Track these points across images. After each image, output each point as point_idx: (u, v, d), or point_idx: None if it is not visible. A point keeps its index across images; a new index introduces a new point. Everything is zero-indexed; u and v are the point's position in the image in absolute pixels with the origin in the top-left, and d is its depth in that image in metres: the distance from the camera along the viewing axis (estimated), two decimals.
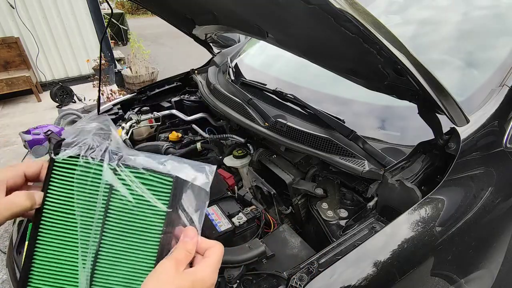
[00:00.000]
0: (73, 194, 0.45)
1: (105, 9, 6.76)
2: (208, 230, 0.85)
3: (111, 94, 3.91)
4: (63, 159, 0.44)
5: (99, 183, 0.45)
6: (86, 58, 4.81)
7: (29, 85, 4.03)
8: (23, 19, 4.18)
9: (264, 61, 1.57)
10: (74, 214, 0.45)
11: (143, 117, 1.49)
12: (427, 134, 0.79)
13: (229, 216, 0.90)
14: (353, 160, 0.87)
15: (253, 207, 0.96)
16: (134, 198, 0.45)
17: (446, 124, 0.77)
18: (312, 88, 1.20)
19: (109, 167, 0.44)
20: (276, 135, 1.03)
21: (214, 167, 0.47)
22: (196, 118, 1.57)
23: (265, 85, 1.25)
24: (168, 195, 0.45)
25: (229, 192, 1.04)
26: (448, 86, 0.64)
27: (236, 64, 1.56)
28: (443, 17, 1.30)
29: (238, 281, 0.70)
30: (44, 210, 0.45)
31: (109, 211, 0.45)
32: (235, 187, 1.11)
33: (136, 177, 0.44)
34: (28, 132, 2.76)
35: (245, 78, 1.38)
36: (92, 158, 0.44)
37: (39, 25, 4.38)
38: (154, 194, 0.45)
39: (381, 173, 0.80)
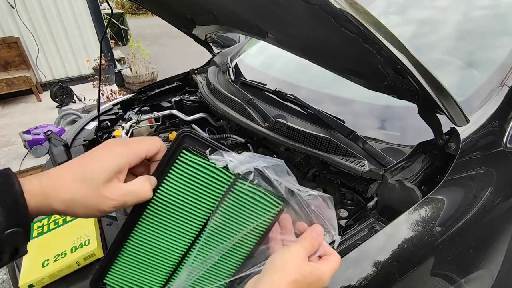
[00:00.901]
0: (187, 190, 0.45)
1: (105, 9, 6.76)
2: None
3: (111, 94, 3.91)
4: (189, 155, 0.44)
5: (218, 187, 0.45)
6: (86, 58, 4.81)
7: (29, 85, 4.03)
8: (23, 19, 4.18)
9: (264, 61, 1.57)
10: (182, 210, 0.46)
11: (143, 117, 1.49)
12: (427, 134, 0.79)
13: None
14: (353, 160, 0.87)
15: None
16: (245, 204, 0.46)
17: (446, 124, 0.77)
18: (312, 88, 1.20)
19: (234, 177, 0.45)
20: (276, 135, 1.03)
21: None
22: (196, 118, 1.57)
23: (265, 85, 1.25)
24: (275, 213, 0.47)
25: None
26: (448, 86, 0.64)
27: (236, 64, 1.56)
28: (443, 17, 1.30)
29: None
30: (153, 200, 0.44)
31: (218, 211, 0.46)
32: None
33: (251, 190, 0.46)
34: (28, 132, 2.76)
35: (245, 78, 1.38)
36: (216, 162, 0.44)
37: (39, 25, 4.38)
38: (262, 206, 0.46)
39: (381, 173, 0.80)
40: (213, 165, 0.44)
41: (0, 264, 0.34)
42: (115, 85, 4.70)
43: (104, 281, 0.48)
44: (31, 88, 4.07)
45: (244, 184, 0.45)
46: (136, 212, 0.46)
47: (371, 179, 0.83)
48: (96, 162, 0.39)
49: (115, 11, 7.86)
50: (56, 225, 0.88)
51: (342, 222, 0.90)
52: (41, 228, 0.88)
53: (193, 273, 0.47)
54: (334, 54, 0.85)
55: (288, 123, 1.00)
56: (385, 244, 0.69)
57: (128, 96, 1.72)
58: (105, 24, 5.01)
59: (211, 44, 1.72)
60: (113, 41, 6.90)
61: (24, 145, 2.79)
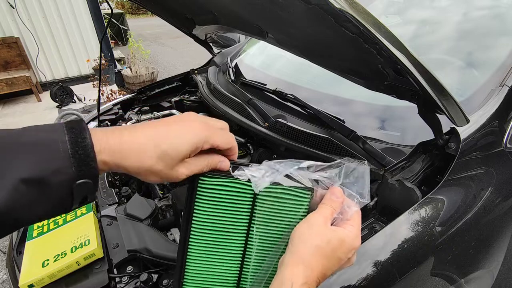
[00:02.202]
0: (218, 211, 0.47)
1: (105, 9, 6.76)
2: None
3: (111, 94, 3.91)
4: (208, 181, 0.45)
5: (245, 197, 0.47)
6: (86, 58, 4.81)
7: (29, 85, 4.03)
8: (23, 19, 4.18)
9: (264, 61, 1.57)
10: (222, 230, 0.48)
11: (143, 117, 1.49)
12: (427, 134, 0.79)
13: None
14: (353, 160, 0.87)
15: None
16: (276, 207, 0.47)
17: (446, 124, 0.77)
18: (312, 88, 1.20)
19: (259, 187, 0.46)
20: (276, 135, 1.03)
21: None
22: None
23: (265, 85, 1.25)
24: (307, 205, 0.48)
25: None
26: (448, 86, 0.64)
27: (236, 64, 1.56)
28: (443, 17, 1.30)
29: None
30: (193, 226, 0.47)
31: (254, 219, 0.48)
32: None
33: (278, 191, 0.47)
34: None
35: (245, 78, 1.38)
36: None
37: (39, 25, 4.38)
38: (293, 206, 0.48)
39: (381, 173, 0.80)
40: (233, 180, 0.45)
41: (71, 208, 0.36)
42: (115, 85, 4.70)
43: None
44: (31, 88, 4.07)
45: (268, 188, 0.46)
46: (185, 232, 0.48)
47: (371, 179, 0.83)
48: (175, 139, 0.39)
49: (115, 11, 7.86)
50: (56, 225, 0.88)
51: None
52: (41, 228, 0.88)
53: (255, 282, 0.50)
54: (334, 54, 0.85)
55: (288, 123, 1.00)
56: (385, 244, 0.69)
57: (128, 96, 1.72)
58: (105, 24, 5.01)
59: (211, 44, 1.72)
60: (113, 41, 6.90)
61: None
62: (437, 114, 0.75)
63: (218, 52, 1.80)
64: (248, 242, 0.49)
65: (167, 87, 1.77)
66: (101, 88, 1.39)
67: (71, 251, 0.78)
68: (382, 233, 0.70)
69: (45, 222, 0.90)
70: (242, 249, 0.50)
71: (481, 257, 0.90)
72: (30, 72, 4.23)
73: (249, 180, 0.45)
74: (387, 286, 0.67)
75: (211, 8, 1.12)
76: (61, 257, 0.77)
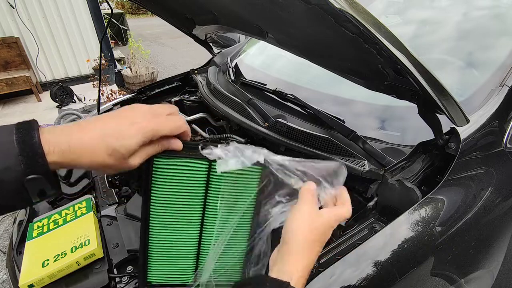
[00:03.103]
0: (174, 187, 0.50)
1: (105, 9, 6.76)
2: None
3: (111, 94, 3.91)
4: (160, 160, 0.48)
5: (199, 174, 0.50)
6: (86, 58, 4.81)
7: (29, 85, 4.03)
8: (23, 19, 4.18)
9: (264, 61, 1.57)
10: (180, 204, 0.51)
11: None
12: (427, 134, 0.79)
13: None
14: (353, 160, 0.87)
15: None
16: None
17: (446, 124, 0.77)
18: (312, 88, 1.20)
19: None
20: (276, 135, 1.03)
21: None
22: (196, 118, 1.57)
23: (265, 85, 1.25)
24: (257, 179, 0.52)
25: None
26: (448, 86, 0.64)
27: (236, 64, 1.56)
28: (443, 17, 1.30)
29: None
30: (153, 202, 0.50)
31: (209, 195, 0.52)
32: None
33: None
34: None
35: (245, 78, 1.38)
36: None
37: (39, 25, 4.37)
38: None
39: (381, 173, 0.80)
40: (186, 159, 0.48)
41: (32, 201, 0.39)
42: (115, 85, 4.70)
43: (148, 280, 0.54)
44: (31, 88, 4.07)
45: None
46: (145, 211, 0.51)
47: (371, 179, 0.83)
48: (124, 139, 0.41)
49: (115, 11, 7.85)
50: (56, 225, 0.88)
51: (342, 222, 0.90)
52: (41, 228, 0.88)
53: (214, 251, 0.53)
54: (334, 54, 0.85)
55: (288, 123, 1.00)
56: (385, 244, 0.69)
57: (128, 96, 1.72)
58: (105, 24, 5.01)
59: (211, 44, 1.72)
60: (113, 41, 6.90)
61: None
62: (437, 114, 0.75)
63: (218, 52, 1.80)
64: (205, 216, 0.53)
65: (167, 87, 1.77)
66: (101, 88, 1.39)
67: (71, 251, 0.78)
68: (382, 233, 0.70)
69: (45, 222, 0.90)
70: (200, 223, 0.53)
71: (481, 257, 0.90)
72: (30, 72, 4.23)
73: (214, 160, 0.49)
74: (387, 286, 0.67)
75: (211, 8, 1.12)
76: (61, 257, 0.77)
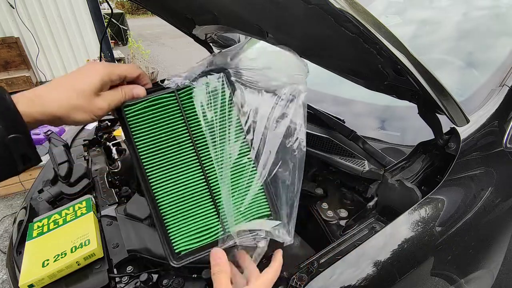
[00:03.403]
0: (156, 129, 0.50)
1: (105, 9, 6.75)
2: None
3: None
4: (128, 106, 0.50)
5: (173, 108, 0.51)
6: (86, 58, 4.81)
7: (29, 85, 4.03)
8: (23, 19, 4.18)
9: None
10: (168, 145, 0.50)
11: None
12: (427, 134, 0.79)
13: None
14: (353, 160, 0.87)
15: None
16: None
17: (446, 124, 0.77)
18: (312, 88, 1.20)
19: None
20: None
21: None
22: None
23: None
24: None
25: None
26: (448, 86, 0.64)
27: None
28: (443, 17, 1.30)
29: None
30: (141, 154, 0.49)
31: (191, 125, 0.51)
32: None
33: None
34: None
35: None
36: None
37: (39, 25, 4.37)
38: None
39: (381, 173, 0.80)
40: (152, 97, 0.50)
41: (18, 172, 0.40)
42: None
43: (176, 251, 0.50)
44: (31, 88, 4.07)
45: (187, 90, 0.52)
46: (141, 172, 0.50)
47: (371, 179, 0.83)
48: (85, 77, 0.46)
49: (115, 11, 7.85)
50: (56, 225, 0.88)
51: (342, 222, 0.90)
52: (41, 228, 0.88)
53: (225, 188, 0.51)
54: (334, 54, 0.85)
55: None
56: (385, 244, 0.69)
57: None
58: (105, 24, 5.01)
59: (211, 44, 1.71)
60: (113, 41, 6.90)
61: None
62: (437, 114, 0.75)
63: (218, 52, 1.80)
64: (201, 155, 0.51)
65: None
66: None
67: (71, 251, 0.78)
68: (382, 233, 0.70)
69: (45, 222, 0.90)
70: (199, 165, 0.51)
71: (481, 257, 0.90)
72: (30, 72, 4.23)
73: (180, 89, 0.50)
74: (387, 286, 0.67)
75: (211, 8, 1.12)
76: (61, 257, 0.77)
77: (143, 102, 0.49)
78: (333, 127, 0.94)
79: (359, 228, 0.76)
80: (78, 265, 0.77)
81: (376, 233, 0.70)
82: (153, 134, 0.49)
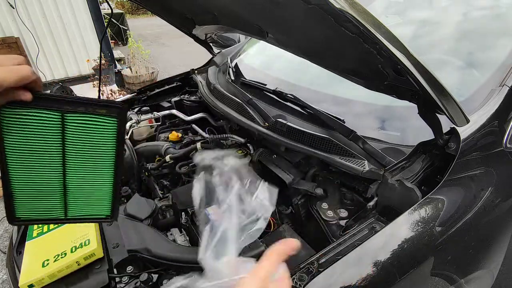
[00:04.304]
0: (28, 136, 0.50)
1: (105, 9, 6.75)
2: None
3: (111, 94, 3.91)
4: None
5: (51, 123, 0.50)
6: (86, 58, 4.81)
7: None
8: (23, 19, 4.18)
9: (264, 61, 1.57)
10: (37, 150, 0.51)
11: (143, 117, 1.49)
12: (427, 134, 0.79)
13: None
14: (353, 160, 0.87)
15: None
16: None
17: (446, 124, 0.77)
18: (312, 88, 1.20)
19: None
20: (276, 135, 1.03)
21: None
22: (196, 118, 1.57)
23: (265, 85, 1.25)
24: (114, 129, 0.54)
25: None
26: (448, 86, 0.64)
27: (236, 64, 1.56)
28: (443, 17, 1.30)
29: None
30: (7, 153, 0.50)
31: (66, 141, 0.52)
32: None
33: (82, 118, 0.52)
34: None
35: (245, 78, 1.38)
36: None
37: (39, 25, 4.37)
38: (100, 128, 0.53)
39: (381, 173, 0.80)
40: (32, 109, 0.49)
41: None
42: (115, 85, 4.70)
43: (17, 216, 0.55)
44: None
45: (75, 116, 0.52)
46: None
47: (371, 179, 0.83)
48: None
49: (115, 11, 7.85)
50: (56, 225, 0.88)
51: (342, 222, 0.90)
52: (41, 228, 0.88)
53: (75, 186, 0.56)
54: (334, 54, 0.85)
55: (288, 123, 1.00)
56: (385, 244, 0.69)
57: (128, 96, 1.72)
58: (105, 24, 5.01)
59: (211, 44, 1.72)
60: (113, 41, 6.89)
61: None
62: (437, 114, 0.75)
63: (218, 52, 1.80)
64: (66, 164, 0.54)
65: (167, 87, 1.77)
66: (101, 88, 1.39)
67: (71, 251, 0.78)
68: (382, 233, 0.70)
69: None
70: (61, 164, 0.54)
71: (481, 257, 0.90)
72: None
73: (68, 112, 0.50)
74: (387, 286, 0.67)
75: (211, 8, 1.12)
76: (61, 257, 0.77)
77: (23, 110, 0.48)
78: (333, 127, 0.94)
79: (359, 228, 0.76)
80: (78, 265, 0.77)
81: (376, 233, 0.70)
82: (23, 138, 0.50)
